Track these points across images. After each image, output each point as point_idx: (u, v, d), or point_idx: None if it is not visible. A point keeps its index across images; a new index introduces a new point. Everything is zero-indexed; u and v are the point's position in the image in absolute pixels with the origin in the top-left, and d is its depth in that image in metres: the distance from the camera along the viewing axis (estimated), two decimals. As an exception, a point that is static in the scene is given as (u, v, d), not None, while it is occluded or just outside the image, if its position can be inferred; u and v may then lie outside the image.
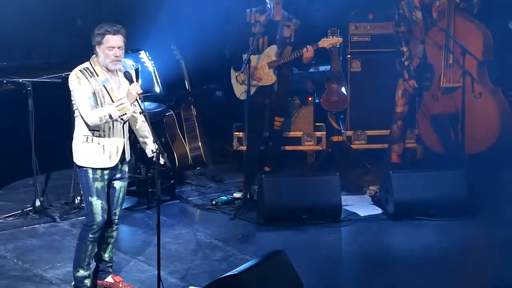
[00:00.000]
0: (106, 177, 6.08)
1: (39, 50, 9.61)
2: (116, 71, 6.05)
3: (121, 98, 5.93)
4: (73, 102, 6.02)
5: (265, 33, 8.66)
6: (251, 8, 8.81)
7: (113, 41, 5.93)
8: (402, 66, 8.92)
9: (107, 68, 6.00)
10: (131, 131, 6.33)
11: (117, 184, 6.20)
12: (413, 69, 8.89)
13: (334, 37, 8.55)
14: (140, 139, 6.35)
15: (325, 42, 8.55)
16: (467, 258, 7.20)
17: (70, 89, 5.97)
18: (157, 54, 9.48)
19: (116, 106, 5.89)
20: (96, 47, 5.97)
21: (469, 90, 8.67)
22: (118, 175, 6.18)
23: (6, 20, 9.07)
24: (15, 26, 9.20)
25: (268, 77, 8.77)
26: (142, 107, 5.96)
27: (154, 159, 5.98)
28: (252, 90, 8.73)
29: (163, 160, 5.99)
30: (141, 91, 5.92)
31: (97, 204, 6.05)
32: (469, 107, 8.59)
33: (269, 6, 8.52)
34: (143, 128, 6.27)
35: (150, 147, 6.24)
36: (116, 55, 5.94)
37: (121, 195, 6.26)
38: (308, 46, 8.47)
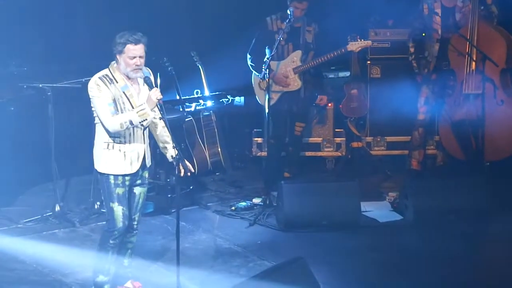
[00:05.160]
0: (127, 183, 6.09)
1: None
2: (136, 78, 6.07)
3: (141, 104, 5.94)
4: (93, 109, 6.04)
5: (289, 39, 8.65)
6: (271, 16, 8.79)
7: (134, 51, 5.93)
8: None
9: (127, 76, 6.02)
10: (151, 137, 6.35)
11: (137, 190, 6.22)
12: (433, 77, 8.87)
13: (362, 40, 8.52)
14: (160, 144, 6.36)
15: (354, 46, 8.52)
16: (487, 265, 7.14)
17: (90, 96, 5.99)
18: (177, 60, 9.49)
19: (137, 112, 5.91)
20: (117, 55, 5.98)
21: (491, 97, 8.62)
22: (139, 181, 6.20)
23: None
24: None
25: (295, 83, 8.77)
26: (162, 113, 5.97)
27: (174, 163, 6.03)
28: (277, 96, 8.73)
29: (182, 169, 6.04)
30: (161, 97, 5.93)
31: (119, 210, 6.06)
32: (491, 114, 8.55)
33: (288, 12, 8.49)
34: (163, 134, 6.29)
35: (170, 152, 6.26)
36: (137, 64, 5.95)
37: (140, 200, 6.27)
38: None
